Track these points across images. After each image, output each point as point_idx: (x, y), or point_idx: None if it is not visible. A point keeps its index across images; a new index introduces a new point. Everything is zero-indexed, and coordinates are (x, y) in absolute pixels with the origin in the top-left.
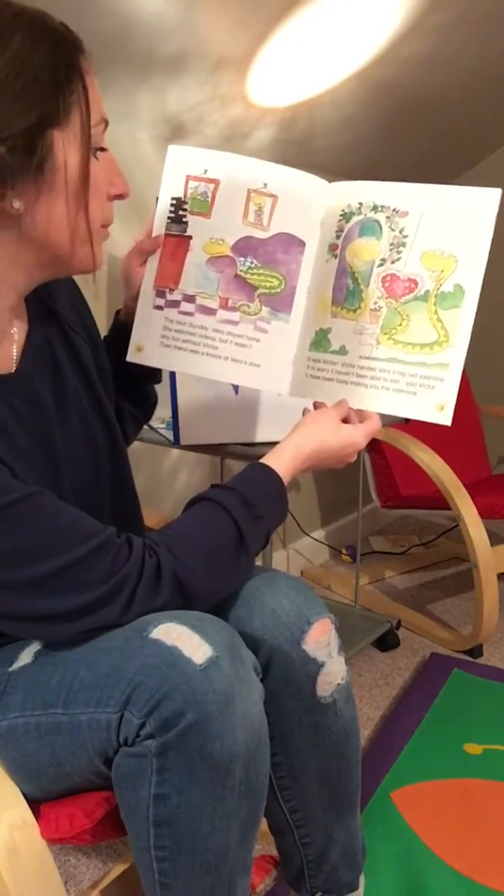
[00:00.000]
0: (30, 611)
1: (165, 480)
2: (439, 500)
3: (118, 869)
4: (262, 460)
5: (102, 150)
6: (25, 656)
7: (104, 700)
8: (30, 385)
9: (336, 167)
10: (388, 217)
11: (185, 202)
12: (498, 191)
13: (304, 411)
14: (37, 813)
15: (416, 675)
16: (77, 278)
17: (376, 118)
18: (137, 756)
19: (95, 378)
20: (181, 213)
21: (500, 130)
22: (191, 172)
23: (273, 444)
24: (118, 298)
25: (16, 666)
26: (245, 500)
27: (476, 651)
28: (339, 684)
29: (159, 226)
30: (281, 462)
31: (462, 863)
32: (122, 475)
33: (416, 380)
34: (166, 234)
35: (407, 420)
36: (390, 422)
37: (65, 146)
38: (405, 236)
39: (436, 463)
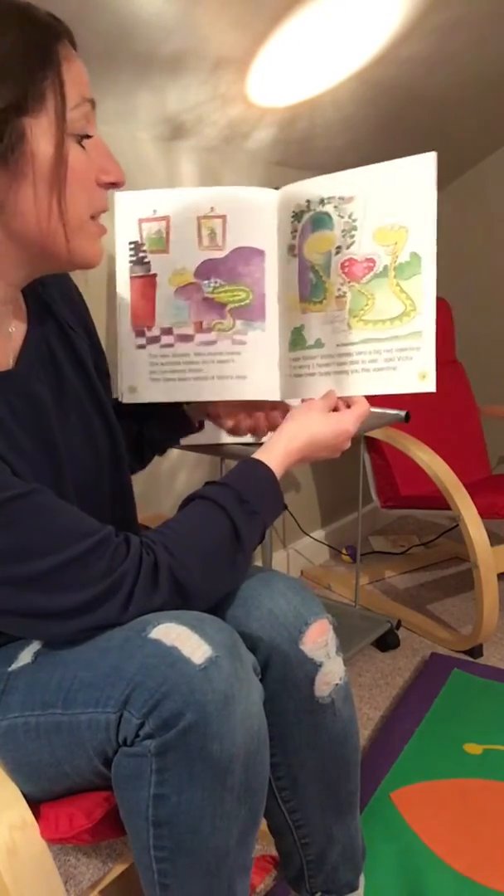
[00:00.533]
0: (28, 608)
1: (165, 480)
2: (439, 500)
3: (118, 869)
4: (255, 455)
5: (88, 137)
6: (25, 656)
7: (103, 700)
8: (28, 384)
9: (336, 167)
10: (335, 206)
11: (142, 244)
12: (433, 154)
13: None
14: (37, 813)
15: (416, 675)
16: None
17: (376, 118)
18: (137, 756)
19: (95, 378)
20: (141, 254)
21: (501, 130)
22: (141, 215)
23: None
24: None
25: (15, 666)
26: (240, 496)
27: (476, 651)
28: (337, 684)
29: (122, 273)
30: (273, 456)
31: (462, 863)
32: (122, 476)
33: (394, 354)
34: (132, 277)
35: (407, 418)
36: (390, 421)
37: (38, 134)
38: (354, 220)
39: (436, 463)
